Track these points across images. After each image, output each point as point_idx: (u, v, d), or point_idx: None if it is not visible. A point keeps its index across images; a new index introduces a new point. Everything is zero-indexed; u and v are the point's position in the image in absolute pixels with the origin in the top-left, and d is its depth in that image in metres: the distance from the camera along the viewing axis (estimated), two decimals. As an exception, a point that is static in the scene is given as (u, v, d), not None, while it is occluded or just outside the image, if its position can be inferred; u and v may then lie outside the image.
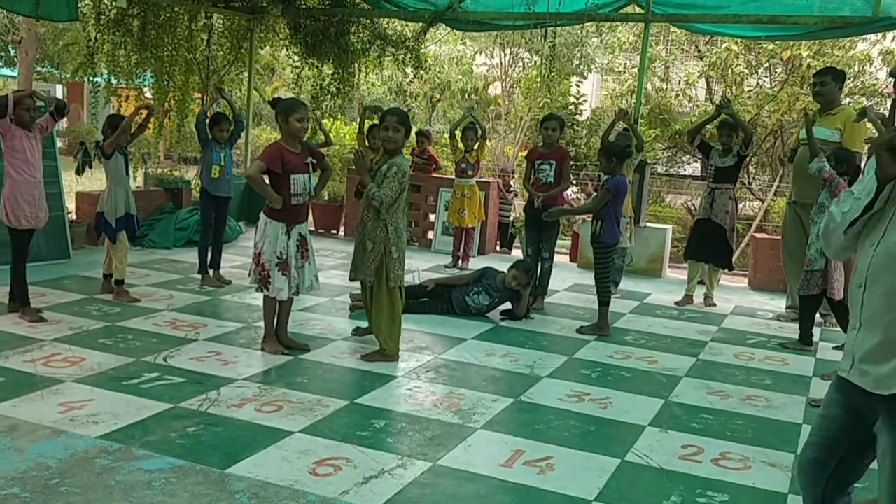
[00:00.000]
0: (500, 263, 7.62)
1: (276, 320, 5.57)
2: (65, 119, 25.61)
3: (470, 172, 9.10)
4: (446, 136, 10.48)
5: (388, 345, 5.55)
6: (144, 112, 7.00)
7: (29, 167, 5.89)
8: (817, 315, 6.83)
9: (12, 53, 21.68)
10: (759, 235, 9.80)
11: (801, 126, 7.80)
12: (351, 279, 5.74)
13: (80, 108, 25.61)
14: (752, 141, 7.65)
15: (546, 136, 7.32)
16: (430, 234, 10.58)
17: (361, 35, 10.44)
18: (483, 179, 10.48)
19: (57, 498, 3.34)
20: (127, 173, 6.82)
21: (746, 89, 14.01)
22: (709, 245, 7.73)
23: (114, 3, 8.91)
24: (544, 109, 15.05)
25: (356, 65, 10.67)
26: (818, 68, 8.52)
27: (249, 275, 5.57)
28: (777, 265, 8.45)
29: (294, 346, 5.65)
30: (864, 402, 2.62)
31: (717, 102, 8.05)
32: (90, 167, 7.48)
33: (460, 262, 9.25)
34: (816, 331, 6.75)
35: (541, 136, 7.49)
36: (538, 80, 16.06)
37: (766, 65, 14.10)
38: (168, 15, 9.65)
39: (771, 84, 14.37)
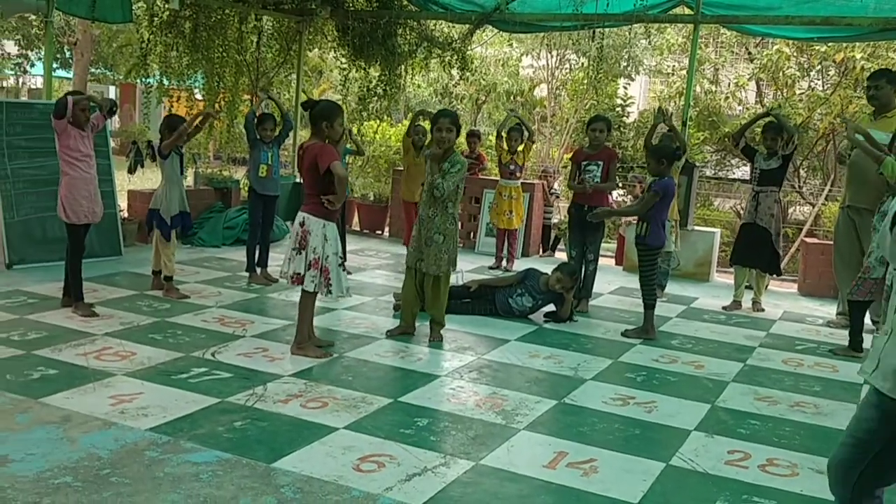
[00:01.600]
0: (545, 266, 7.59)
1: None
2: (117, 119, 26.19)
3: (518, 174, 9.11)
4: (491, 137, 10.47)
5: (444, 320, 6.11)
6: (203, 118, 7.11)
7: (84, 164, 6.05)
8: (868, 321, 6.69)
9: (68, 55, 22.21)
10: (809, 240, 9.63)
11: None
12: (420, 268, 6.01)
13: (132, 109, 26.14)
14: (793, 140, 7.50)
15: (593, 137, 7.28)
16: (474, 236, 10.57)
17: (408, 37, 10.50)
18: (528, 181, 10.46)
19: (107, 488, 3.41)
20: (182, 173, 6.95)
21: (798, 92, 13.79)
22: (755, 250, 7.61)
23: (166, 6, 9.09)
24: (591, 111, 14.96)
25: (403, 67, 10.73)
26: (872, 71, 8.33)
27: (302, 282, 5.32)
28: (828, 270, 8.30)
29: (322, 343, 5.72)
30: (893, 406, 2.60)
31: (768, 106, 7.95)
32: (142, 166, 7.62)
33: (505, 263, 9.25)
34: (868, 337, 6.61)
35: (587, 137, 7.45)
36: (585, 81, 15.98)
37: (819, 67, 13.85)
38: (219, 17, 9.81)
39: (823, 87, 14.12)
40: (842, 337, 6.84)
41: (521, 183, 9.37)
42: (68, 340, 5.42)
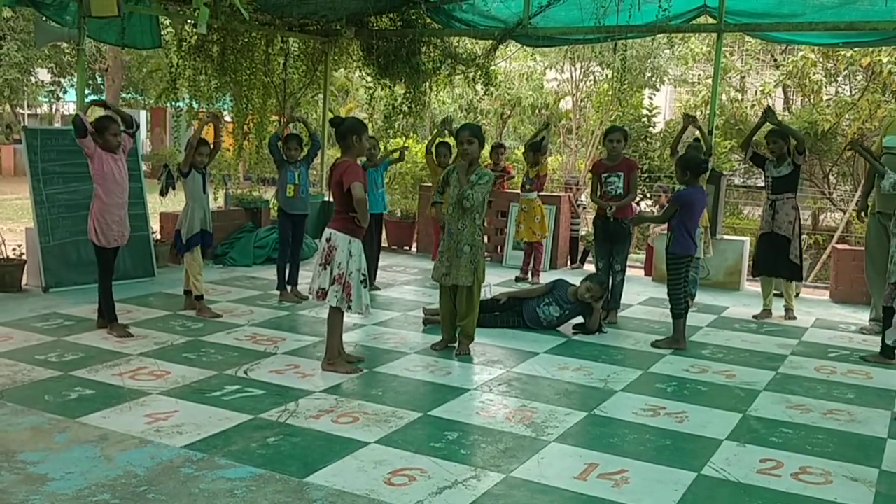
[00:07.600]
0: (573, 278, 7.59)
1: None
2: (149, 143, 26.57)
3: (528, 187, 9.14)
4: (517, 151, 10.54)
5: (473, 333, 6.15)
6: (209, 125, 7.20)
7: (118, 189, 6.16)
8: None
9: (100, 81, 22.64)
10: (840, 247, 9.52)
11: (883, 133, 7.60)
12: (445, 283, 6.08)
13: (163, 133, 26.55)
14: (804, 150, 7.47)
15: (611, 148, 7.28)
16: (501, 249, 10.59)
17: (432, 54, 10.60)
18: (554, 194, 10.48)
19: (145, 504, 3.48)
20: (205, 192, 7.03)
21: (825, 98, 13.69)
22: (776, 259, 7.55)
23: (194, 30, 9.26)
24: (616, 123, 14.97)
25: (427, 84, 10.82)
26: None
27: (326, 297, 5.37)
28: (860, 277, 8.22)
29: (352, 359, 5.77)
30: None
31: (762, 111, 7.94)
32: (173, 188, 7.72)
33: (531, 276, 9.27)
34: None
35: (605, 149, 7.47)
36: (610, 93, 15.99)
37: (845, 72, 13.75)
38: (246, 40, 9.97)
39: (850, 92, 14.01)
40: (875, 343, 6.77)
41: (547, 195, 9.39)
42: (104, 361, 5.52)
